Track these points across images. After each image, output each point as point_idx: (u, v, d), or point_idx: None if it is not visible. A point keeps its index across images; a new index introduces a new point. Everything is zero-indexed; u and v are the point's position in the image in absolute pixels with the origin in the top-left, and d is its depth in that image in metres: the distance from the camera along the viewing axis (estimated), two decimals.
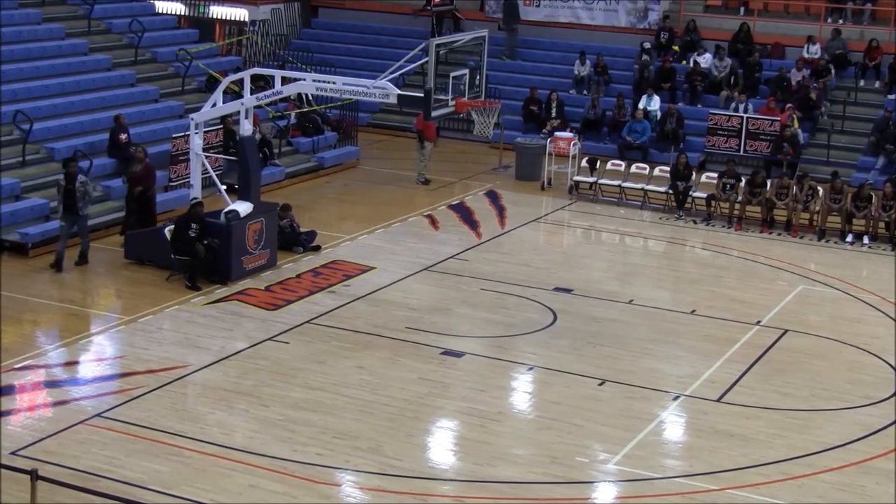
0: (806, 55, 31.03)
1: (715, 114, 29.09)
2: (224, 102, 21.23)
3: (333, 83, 20.20)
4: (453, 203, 25.71)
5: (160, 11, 32.16)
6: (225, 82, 21.18)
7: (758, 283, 21.27)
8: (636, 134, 29.12)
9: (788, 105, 29.01)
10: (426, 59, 19.31)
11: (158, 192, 23.57)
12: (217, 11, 35.17)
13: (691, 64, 31.48)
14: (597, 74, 31.96)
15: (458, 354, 17.21)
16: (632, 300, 19.93)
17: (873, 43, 30.81)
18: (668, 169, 26.13)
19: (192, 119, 20.78)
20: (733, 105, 29.52)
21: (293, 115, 28.65)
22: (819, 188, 24.50)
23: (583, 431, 14.88)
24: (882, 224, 23.97)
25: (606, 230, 24.44)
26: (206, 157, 21.31)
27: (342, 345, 17.39)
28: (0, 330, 17.24)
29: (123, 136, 23.67)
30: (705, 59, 31.49)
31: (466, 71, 19.93)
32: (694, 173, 25.93)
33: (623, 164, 27.15)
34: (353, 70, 30.60)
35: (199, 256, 19.41)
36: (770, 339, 18.33)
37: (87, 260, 20.40)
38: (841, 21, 32.42)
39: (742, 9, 33.69)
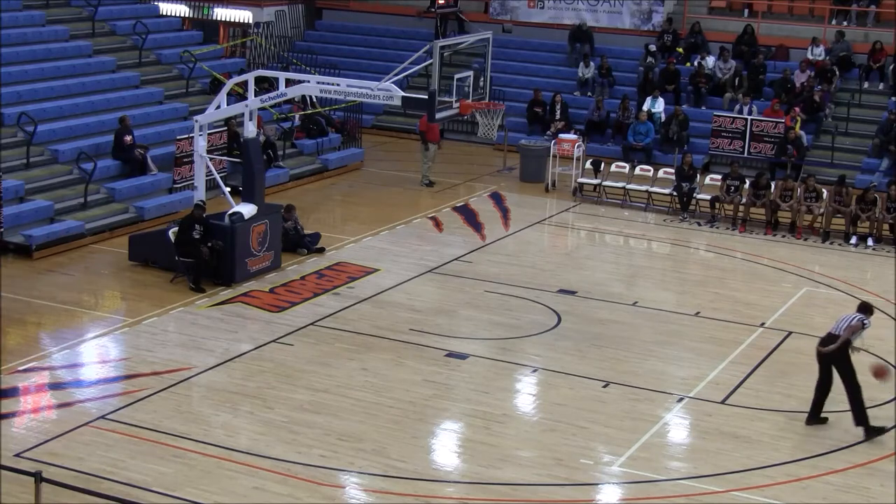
0: (810, 57, 31.01)
1: (719, 116, 29.06)
2: (228, 104, 21.27)
3: (337, 85, 20.21)
4: (457, 205, 25.70)
5: (164, 13, 32.20)
6: (229, 84, 21.20)
7: (762, 284, 21.25)
8: (640, 136, 29.10)
9: (796, 108, 28.97)
10: (430, 60, 19.29)
11: (161, 194, 23.64)
12: (221, 13, 35.22)
13: (695, 66, 31.47)
14: (601, 76, 31.96)
15: (463, 356, 17.20)
16: (636, 302, 19.92)
17: (877, 45, 30.78)
18: (671, 171, 26.14)
19: (197, 121, 20.78)
20: (737, 107, 29.47)
21: (297, 117, 28.67)
22: (823, 190, 24.50)
23: (587, 433, 14.87)
24: (886, 226, 23.95)
25: (610, 232, 24.43)
26: (211, 158, 21.31)
27: (346, 347, 17.39)
28: (1, 332, 17.28)
29: (128, 138, 23.72)
30: (709, 61, 31.48)
31: (471, 73, 19.94)
32: (698, 175, 25.95)
33: (627, 166, 27.16)
34: (357, 72, 30.66)
35: (203, 258, 19.41)
36: (774, 341, 18.32)
37: None
38: (845, 23, 32.41)
39: (746, 11, 33.73)
